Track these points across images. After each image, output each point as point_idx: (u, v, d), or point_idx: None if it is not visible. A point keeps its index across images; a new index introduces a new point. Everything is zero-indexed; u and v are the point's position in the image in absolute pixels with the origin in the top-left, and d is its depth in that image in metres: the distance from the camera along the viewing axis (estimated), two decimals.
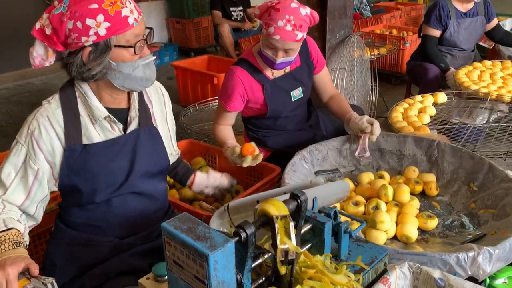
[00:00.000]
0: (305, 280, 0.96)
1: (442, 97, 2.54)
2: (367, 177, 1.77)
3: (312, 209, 1.15)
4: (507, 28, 4.10)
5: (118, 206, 1.39)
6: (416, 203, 1.60)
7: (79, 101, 1.32)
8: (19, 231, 1.22)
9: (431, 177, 1.74)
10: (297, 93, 2.09)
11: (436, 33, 3.20)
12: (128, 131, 1.38)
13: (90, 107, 1.31)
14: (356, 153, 1.85)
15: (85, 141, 1.32)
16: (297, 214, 1.00)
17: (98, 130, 1.33)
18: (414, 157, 1.86)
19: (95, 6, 1.17)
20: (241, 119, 2.25)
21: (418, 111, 2.39)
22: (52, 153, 1.29)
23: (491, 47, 3.67)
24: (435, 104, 2.49)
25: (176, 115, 1.61)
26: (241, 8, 5.38)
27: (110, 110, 1.34)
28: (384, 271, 1.12)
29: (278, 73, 2.04)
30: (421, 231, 1.51)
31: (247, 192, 1.79)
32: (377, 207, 1.53)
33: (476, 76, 2.81)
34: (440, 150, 1.80)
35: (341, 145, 1.91)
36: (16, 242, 1.17)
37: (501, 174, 1.57)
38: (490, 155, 1.89)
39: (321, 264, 1.01)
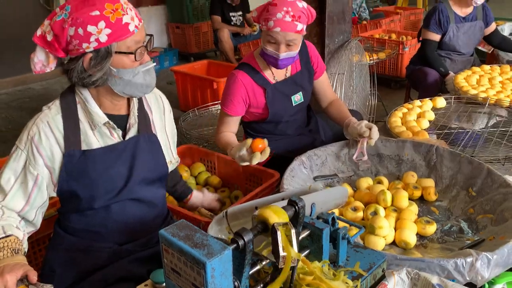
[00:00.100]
0: (303, 287, 0.97)
1: (441, 101, 2.55)
2: (366, 182, 1.78)
3: (311, 215, 1.15)
4: (506, 32, 4.12)
5: (117, 212, 1.39)
6: (414, 208, 1.60)
7: (79, 107, 1.33)
8: (18, 238, 1.22)
9: (429, 182, 1.75)
10: (297, 98, 2.10)
11: (436, 37, 3.21)
12: (127, 137, 1.39)
13: (89, 113, 1.32)
14: (354, 157, 1.85)
15: (84, 147, 1.32)
16: (295, 221, 1.01)
17: (97, 136, 1.34)
18: (412, 162, 1.86)
19: (97, 13, 1.19)
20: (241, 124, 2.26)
21: (417, 116, 2.39)
22: (51, 159, 1.29)
23: (490, 52, 3.69)
24: (434, 109, 2.50)
25: (175, 120, 1.62)
26: (240, 13, 5.41)
27: (109, 116, 1.35)
28: (383, 277, 1.13)
29: (279, 77, 2.05)
30: (420, 236, 1.51)
31: (246, 198, 1.79)
32: (375, 213, 1.53)
33: (475, 81, 2.82)
34: (439, 155, 1.80)
35: (340, 150, 1.91)
36: (15, 249, 1.17)
37: (499, 179, 1.57)
38: (488, 160, 1.89)
39: (319, 270, 1.02)
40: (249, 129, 2.19)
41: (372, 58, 3.87)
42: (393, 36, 5.09)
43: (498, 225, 1.44)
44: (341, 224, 1.23)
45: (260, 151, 1.63)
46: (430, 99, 2.56)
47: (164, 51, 6.15)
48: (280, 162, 2.01)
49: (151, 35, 1.32)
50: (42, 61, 1.25)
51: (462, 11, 3.20)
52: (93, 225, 1.40)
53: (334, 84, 2.75)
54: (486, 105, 2.44)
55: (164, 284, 1.06)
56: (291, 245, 0.92)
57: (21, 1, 5.31)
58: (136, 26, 1.24)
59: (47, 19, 1.24)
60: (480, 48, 3.63)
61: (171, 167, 1.54)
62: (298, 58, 2.05)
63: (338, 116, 2.09)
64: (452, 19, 3.16)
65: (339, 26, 2.79)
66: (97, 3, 1.19)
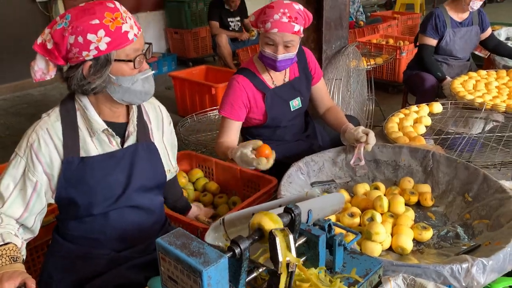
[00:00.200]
0: None
1: (437, 107, 2.56)
2: (363, 188, 1.79)
3: (307, 221, 1.16)
4: (503, 37, 4.14)
5: (115, 219, 1.40)
6: (411, 214, 1.61)
7: (78, 114, 1.34)
8: (16, 245, 1.23)
9: (426, 188, 1.76)
10: (296, 103, 2.11)
11: (432, 42, 3.24)
12: (126, 145, 1.39)
13: (89, 120, 1.33)
14: (352, 162, 1.86)
15: (82, 153, 1.33)
16: (291, 228, 1.02)
17: (95, 143, 1.35)
18: (409, 168, 1.87)
19: (96, 21, 1.20)
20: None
21: (414, 121, 2.40)
22: (50, 165, 1.30)
23: (486, 57, 3.71)
24: (430, 114, 2.51)
25: (174, 125, 1.62)
26: (238, 18, 5.43)
27: (108, 123, 1.36)
28: (379, 283, 1.13)
29: (278, 82, 2.06)
30: (416, 242, 1.51)
31: (244, 204, 1.80)
32: (372, 219, 1.54)
33: (472, 86, 2.83)
34: (435, 160, 1.81)
35: (337, 156, 1.92)
36: (13, 257, 1.18)
37: (495, 185, 1.58)
38: (485, 165, 1.90)
39: (315, 277, 1.02)
40: (247, 134, 2.20)
41: (369, 63, 3.89)
42: (391, 41, 5.11)
43: (494, 230, 1.45)
44: (337, 230, 1.24)
45: (266, 156, 1.62)
46: (427, 105, 2.58)
47: (163, 56, 6.17)
48: (277, 168, 2.01)
49: (150, 43, 1.34)
50: (42, 69, 1.27)
51: (458, 16, 3.23)
52: (91, 232, 1.40)
53: (332, 89, 2.76)
54: (483, 110, 2.46)
55: None
56: (290, 250, 0.93)
57: (20, 7, 5.33)
58: (135, 35, 1.26)
59: (47, 28, 1.26)
60: (476, 53, 3.65)
61: (169, 176, 1.55)
62: (296, 62, 2.06)
63: (335, 122, 2.10)
64: (448, 24, 3.18)
65: (336, 32, 2.81)
66: (97, 12, 1.21)
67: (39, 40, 1.24)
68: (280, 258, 0.91)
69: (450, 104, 2.61)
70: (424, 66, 3.25)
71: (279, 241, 0.91)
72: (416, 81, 3.30)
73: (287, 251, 0.92)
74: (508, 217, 1.43)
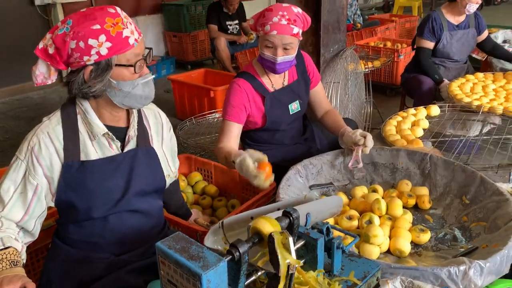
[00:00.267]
0: None
1: (435, 110, 2.58)
2: (361, 190, 1.80)
3: (306, 224, 1.17)
4: (500, 40, 4.17)
5: (114, 223, 1.40)
6: (409, 216, 1.62)
7: (79, 117, 1.36)
8: (16, 249, 1.24)
9: (424, 191, 1.77)
10: (294, 107, 2.12)
11: (430, 45, 3.26)
12: (126, 149, 1.40)
13: (89, 123, 1.34)
14: (350, 165, 1.87)
15: (83, 157, 1.34)
16: (290, 231, 1.02)
17: (95, 147, 1.36)
18: (407, 171, 1.88)
19: (98, 27, 1.22)
20: None
21: (412, 124, 2.42)
22: (50, 168, 1.31)
23: (483, 59, 3.73)
24: (428, 117, 2.52)
25: (173, 128, 1.63)
26: (236, 21, 5.45)
27: (109, 127, 1.37)
28: (377, 286, 1.14)
29: (277, 86, 2.07)
30: (414, 244, 1.52)
31: (242, 207, 1.80)
32: (370, 221, 1.55)
33: (469, 89, 2.85)
34: (433, 163, 1.82)
35: (335, 159, 1.93)
36: (14, 261, 1.19)
37: (492, 187, 1.59)
38: (482, 167, 1.91)
39: (313, 280, 1.03)
40: (246, 138, 2.21)
41: (367, 66, 3.91)
42: (388, 44, 5.13)
43: (491, 233, 1.46)
44: (336, 233, 1.25)
45: (266, 174, 1.52)
46: (425, 107, 2.59)
47: (161, 60, 6.18)
48: (276, 171, 2.02)
49: (150, 48, 1.36)
50: (43, 74, 1.28)
51: (455, 19, 3.25)
52: (91, 235, 1.41)
53: (330, 92, 2.77)
54: (480, 113, 2.47)
55: None
56: (289, 252, 0.94)
57: (19, 10, 5.33)
58: (135, 40, 1.28)
59: (48, 33, 1.27)
60: (474, 55, 3.68)
61: (169, 181, 1.56)
62: (295, 66, 2.07)
63: (333, 125, 2.11)
64: (445, 26, 3.21)
65: (334, 36, 2.82)
66: (98, 17, 1.23)
67: (40, 45, 1.26)
68: (280, 261, 0.92)
69: (448, 107, 2.62)
70: (422, 68, 3.26)
71: (278, 243, 0.92)
72: (413, 83, 3.32)
73: (287, 254, 0.93)
74: (505, 219, 1.44)
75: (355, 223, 1.58)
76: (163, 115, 1.57)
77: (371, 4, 10.36)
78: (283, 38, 1.86)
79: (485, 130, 2.36)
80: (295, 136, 2.23)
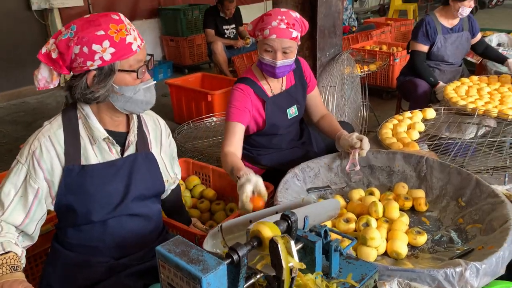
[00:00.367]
0: None
1: (431, 113, 2.60)
2: (358, 193, 1.81)
3: (304, 227, 1.18)
4: (494, 43, 4.21)
5: (114, 227, 1.41)
6: (405, 219, 1.64)
7: (80, 122, 1.37)
8: (16, 254, 1.24)
9: (420, 193, 1.78)
10: (292, 111, 2.14)
11: (424, 48, 3.29)
12: (125, 154, 1.42)
13: (90, 128, 1.36)
14: (347, 168, 1.88)
15: (83, 161, 1.35)
16: (288, 234, 1.03)
17: (96, 151, 1.37)
18: (403, 173, 1.90)
19: (102, 32, 1.24)
20: None
21: (408, 127, 2.44)
22: (51, 172, 1.32)
23: (478, 62, 3.77)
24: (424, 120, 2.55)
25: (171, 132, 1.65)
26: (233, 26, 5.48)
27: (109, 132, 1.39)
28: None
29: (276, 90, 2.09)
30: (411, 247, 1.54)
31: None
32: (367, 224, 1.56)
33: (464, 92, 2.87)
34: (429, 166, 1.84)
35: (332, 162, 1.95)
36: (14, 266, 1.19)
37: (487, 190, 1.61)
38: (478, 170, 1.93)
39: (312, 282, 1.04)
40: (245, 143, 2.21)
41: (363, 70, 3.93)
42: (384, 48, 5.17)
43: (487, 234, 1.47)
44: (333, 236, 1.26)
45: (254, 207, 1.49)
46: (420, 110, 2.61)
47: (159, 64, 6.20)
48: (274, 174, 2.04)
49: (151, 55, 1.38)
50: (45, 78, 1.30)
51: (448, 23, 3.28)
52: (90, 240, 1.42)
53: (326, 96, 2.79)
54: (475, 116, 2.50)
55: None
56: (291, 255, 0.95)
57: (15, 15, 5.34)
58: (138, 46, 1.30)
59: (52, 38, 1.29)
60: (469, 58, 3.71)
61: (167, 185, 1.57)
62: (292, 71, 2.09)
63: (329, 129, 2.13)
64: (439, 30, 3.24)
65: (330, 40, 2.84)
66: (102, 23, 1.25)
67: (43, 50, 1.28)
68: (284, 264, 0.93)
69: (443, 110, 2.65)
70: (417, 72, 3.30)
71: (281, 247, 0.93)
72: (409, 87, 3.35)
73: (290, 257, 0.95)
74: (501, 221, 1.46)
75: (352, 225, 1.59)
76: (162, 121, 1.59)
77: (366, 8, 10.42)
78: (283, 41, 1.88)
79: (480, 132, 2.38)
80: (293, 140, 2.25)
